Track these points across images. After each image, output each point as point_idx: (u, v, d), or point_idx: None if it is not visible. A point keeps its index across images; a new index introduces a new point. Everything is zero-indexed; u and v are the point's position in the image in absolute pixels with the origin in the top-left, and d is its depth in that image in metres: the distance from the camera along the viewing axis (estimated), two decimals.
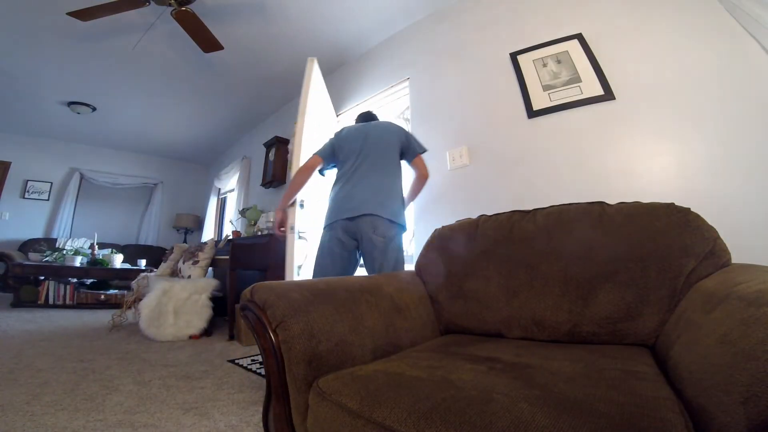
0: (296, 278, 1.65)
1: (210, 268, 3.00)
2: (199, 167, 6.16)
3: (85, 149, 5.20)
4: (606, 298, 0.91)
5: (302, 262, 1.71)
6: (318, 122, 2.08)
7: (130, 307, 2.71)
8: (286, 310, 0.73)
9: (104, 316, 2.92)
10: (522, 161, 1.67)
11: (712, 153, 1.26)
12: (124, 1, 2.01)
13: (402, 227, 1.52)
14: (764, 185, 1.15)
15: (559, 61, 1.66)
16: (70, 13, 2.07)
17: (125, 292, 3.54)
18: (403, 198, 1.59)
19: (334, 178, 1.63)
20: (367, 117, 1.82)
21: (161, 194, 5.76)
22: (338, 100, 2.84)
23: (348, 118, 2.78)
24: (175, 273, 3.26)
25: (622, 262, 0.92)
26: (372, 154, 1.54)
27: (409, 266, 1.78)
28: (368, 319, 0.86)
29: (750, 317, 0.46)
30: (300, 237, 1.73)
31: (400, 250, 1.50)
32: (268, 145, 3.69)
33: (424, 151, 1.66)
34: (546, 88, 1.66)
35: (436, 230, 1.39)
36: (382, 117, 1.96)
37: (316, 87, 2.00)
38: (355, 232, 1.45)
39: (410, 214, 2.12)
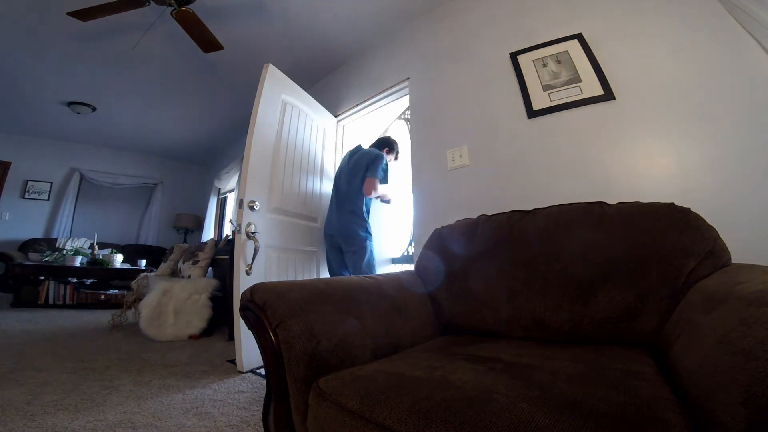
0: (244, 278, 1.71)
1: (210, 268, 3.00)
2: (199, 167, 6.16)
3: (85, 149, 5.19)
4: (606, 298, 0.91)
5: (251, 261, 1.75)
6: (278, 130, 2.20)
7: (130, 307, 2.71)
8: (286, 310, 0.73)
9: (104, 316, 2.92)
10: (522, 161, 1.67)
11: (712, 153, 1.26)
12: (124, 1, 2.00)
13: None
14: (764, 185, 1.15)
15: (559, 61, 1.66)
16: (70, 13, 2.07)
17: (125, 292, 3.54)
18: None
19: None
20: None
21: (161, 194, 5.76)
22: (338, 100, 2.83)
23: (348, 119, 2.77)
24: (175, 273, 3.26)
25: (622, 262, 0.92)
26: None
27: (409, 266, 1.78)
28: (368, 319, 0.86)
29: (750, 317, 0.46)
30: (249, 237, 1.75)
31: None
32: None
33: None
34: (546, 88, 1.66)
35: (436, 230, 1.39)
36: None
37: (270, 95, 2.14)
38: None
39: (410, 214, 2.12)
